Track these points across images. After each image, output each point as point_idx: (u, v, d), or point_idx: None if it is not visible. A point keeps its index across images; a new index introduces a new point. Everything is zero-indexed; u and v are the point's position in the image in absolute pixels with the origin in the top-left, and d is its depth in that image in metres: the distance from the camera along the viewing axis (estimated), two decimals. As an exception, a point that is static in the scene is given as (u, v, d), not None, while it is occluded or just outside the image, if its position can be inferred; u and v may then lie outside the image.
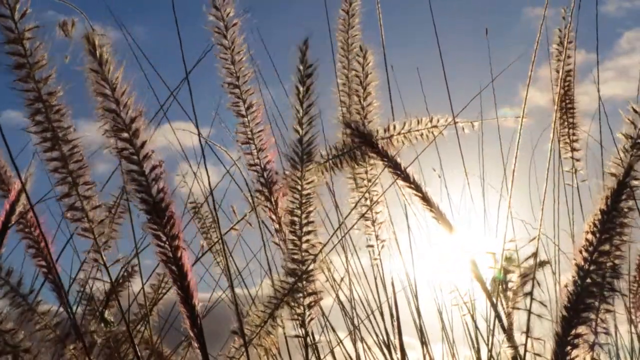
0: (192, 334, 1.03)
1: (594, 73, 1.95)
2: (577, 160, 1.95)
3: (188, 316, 1.01)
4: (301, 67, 1.27)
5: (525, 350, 1.16)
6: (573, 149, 1.94)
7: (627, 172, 0.88)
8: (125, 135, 0.98)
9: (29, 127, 1.07)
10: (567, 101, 1.94)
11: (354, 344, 1.66)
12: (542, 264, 1.52)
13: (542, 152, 1.79)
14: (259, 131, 1.42)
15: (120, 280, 1.72)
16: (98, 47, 0.97)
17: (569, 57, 1.94)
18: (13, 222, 1.41)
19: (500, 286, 1.32)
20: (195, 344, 1.04)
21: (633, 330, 1.77)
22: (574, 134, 1.94)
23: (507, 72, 1.83)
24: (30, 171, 1.49)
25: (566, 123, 1.94)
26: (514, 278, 1.28)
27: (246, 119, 1.41)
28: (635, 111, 0.95)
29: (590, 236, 0.93)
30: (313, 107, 1.29)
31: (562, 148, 1.93)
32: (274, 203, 1.42)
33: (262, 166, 1.42)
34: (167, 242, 0.99)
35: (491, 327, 1.45)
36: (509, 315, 1.28)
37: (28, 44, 1.04)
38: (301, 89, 1.29)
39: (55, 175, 1.09)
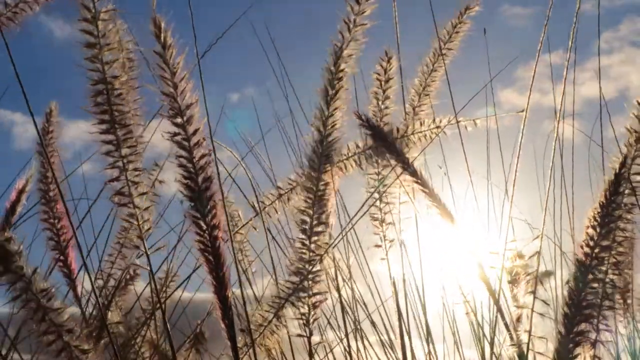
0: (223, 325, 1.03)
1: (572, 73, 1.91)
2: None
3: (220, 307, 1.02)
4: (333, 69, 1.27)
5: (528, 349, 1.15)
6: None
7: (622, 164, 0.87)
8: (179, 120, 0.99)
9: (86, 107, 1.05)
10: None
11: (356, 342, 1.65)
12: (547, 274, 1.51)
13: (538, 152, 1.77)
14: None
15: (123, 283, 1.72)
16: (163, 30, 0.96)
17: None
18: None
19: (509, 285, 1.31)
20: (226, 335, 1.04)
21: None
22: None
23: (485, 73, 1.82)
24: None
25: None
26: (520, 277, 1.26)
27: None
28: (640, 105, 0.94)
29: (590, 230, 0.92)
30: (339, 111, 1.29)
31: None
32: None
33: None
34: (207, 232, 0.99)
35: (494, 326, 1.44)
36: (517, 314, 1.27)
37: (102, 25, 1.04)
38: (330, 91, 1.28)
39: (106, 159, 1.07)
